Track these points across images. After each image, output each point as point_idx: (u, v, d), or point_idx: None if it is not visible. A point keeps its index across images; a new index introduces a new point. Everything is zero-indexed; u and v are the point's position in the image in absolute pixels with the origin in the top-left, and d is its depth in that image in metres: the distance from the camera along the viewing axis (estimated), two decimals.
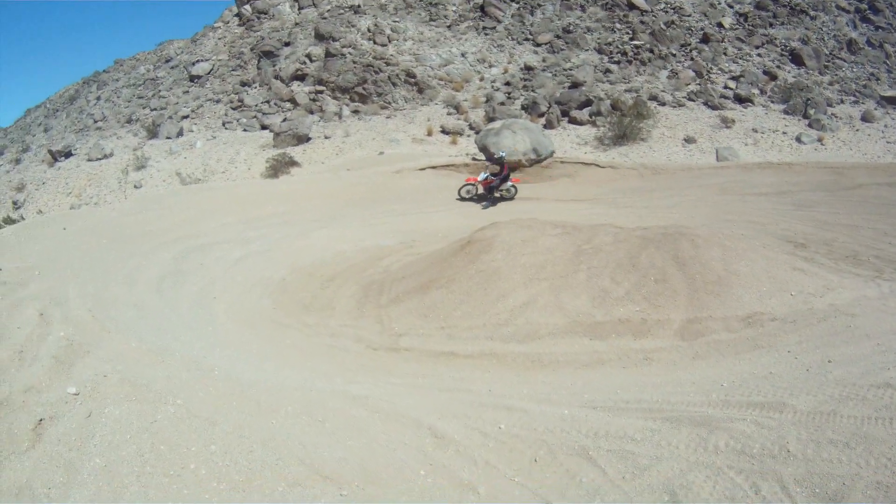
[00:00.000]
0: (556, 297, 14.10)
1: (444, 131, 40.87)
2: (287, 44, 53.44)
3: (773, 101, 47.68)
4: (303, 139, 38.80)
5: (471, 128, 41.24)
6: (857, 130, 43.13)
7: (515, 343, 12.90)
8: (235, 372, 9.85)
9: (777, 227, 21.86)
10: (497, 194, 28.11)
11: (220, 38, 59.11)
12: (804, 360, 10.57)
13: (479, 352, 12.71)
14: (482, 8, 58.45)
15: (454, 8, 59.78)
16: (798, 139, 40.30)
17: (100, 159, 39.60)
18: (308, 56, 50.20)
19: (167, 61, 59.59)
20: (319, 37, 51.73)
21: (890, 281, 15.61)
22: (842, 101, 48.89)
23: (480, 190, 28.31)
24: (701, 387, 9.87)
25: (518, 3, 59.64)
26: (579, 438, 8.11)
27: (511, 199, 27.99)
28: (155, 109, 50.20)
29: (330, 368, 11.75)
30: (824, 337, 11.80)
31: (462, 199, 28.20)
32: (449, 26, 56.73)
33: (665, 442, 7.85)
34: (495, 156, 29.21)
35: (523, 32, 56.02)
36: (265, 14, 60.60)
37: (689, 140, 39.08)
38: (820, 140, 40.33)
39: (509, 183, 28.26)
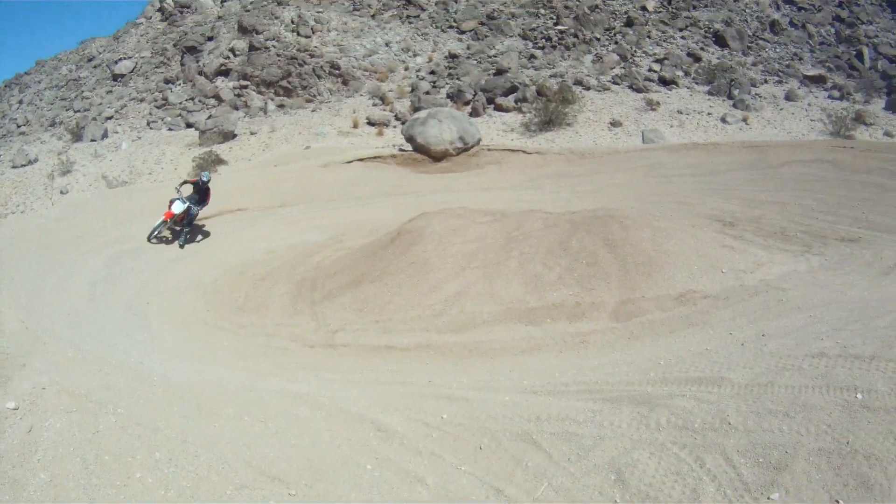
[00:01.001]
0: (489, 285, 14.22)
1: (371, 123, 40.66)
2: (210, 38, 52.72)
3: (697, 83, 48.27)
4: (229, 136, 38.35)
5: (397, 118, 41.08)
6: (781, 109, 43.87)
7: (451, 333, 12.98)
8: (174, 377, 9.76)
9: (705, 207, 22.24)
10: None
11: (142, 35, 58.02)
12: (738, 335, 10.78)
13: (415, 344, 12.79)
14: None
15: None
16: (723, 119, 40.84)
17: (24, 165, 38.65)
18: (232, 50, 49.63)
19: (89, 60, 58.29)
20: (243, 30, 51.12)
21: (819, 255, 16.01)
22: (765, 82, 49.68)
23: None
24: (638, 366, 10.00)
25: None
26: (522, 424, 8.18)
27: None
28: (79, 111, 49.15)
29: (268, 368, 11.71)
30: (757, 311, 12.09)
31: (157, 241, 21.64)
32: (373, 16, 56.42)
33: (607, 422, 7.95)
34: (201, 180, 22.30)
35: (447, 20, 55.92)
36: (188, 8, 59.60)
37: (614, 124, 39.37)
38: (744, 120, 40.92)
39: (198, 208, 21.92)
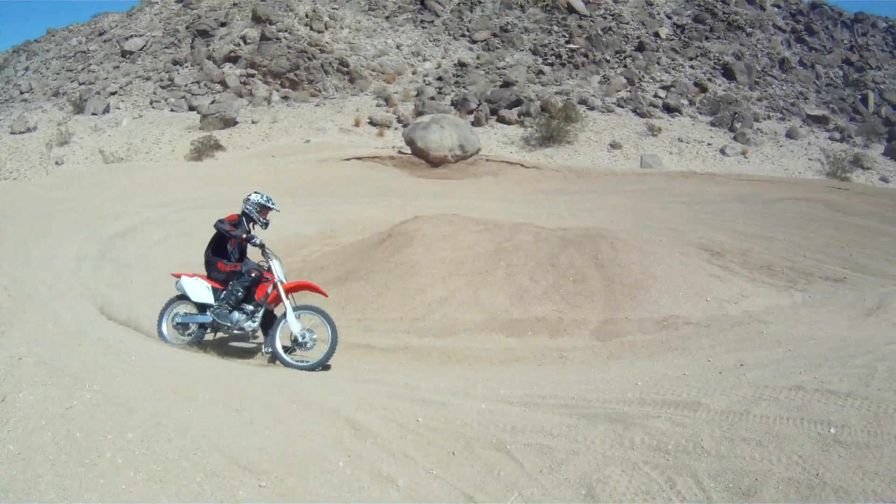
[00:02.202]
0: (474, 293, 14.31)
1: (373, 123, 40.82)
2: (223, 24, 52.87)
3: (701, 113, 48.60)
4: (230, 123, 38.45)
5: (399, 121, 41.27)
6: (781, 146, 44.21)
7: (432, 337, 13.05)
8: (153, 357, 9.70)
9: (695, 236, 22.36)
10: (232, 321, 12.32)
11: (156, 14, 58.15)
12: (717, 363, 10.87)
13: (395, 345, 12.88)
14: (422, 1, 58.37)
15: None
16: (722, 151, 41.16)
17: (23, 132, 38.68)
18: (243, 38, 49.76)
19: (101, 34, 58.34)
20: (257, 19, 51.27)
21: (802, 291, 16.18)
22: (769, 117, 50.05)
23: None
24: (616, 385, 10.05)
25: None
26: (497, 432, 8.18)
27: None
28: (83, 84, 49.16)
29: (247, 356, 11.74)
30: (737, 341, 12.27)
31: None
32: (387, 17, 56.69)
33: (581, 437, 7.94)
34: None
35: (461, 28, 56.17)
36: None
37: (614, 145, 39.62)
38: (743, 153, 41.25)
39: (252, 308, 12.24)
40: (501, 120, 43.07)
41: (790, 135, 46.90)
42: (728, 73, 56.04)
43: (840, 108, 55.36)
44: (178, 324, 12.03)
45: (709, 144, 42.42)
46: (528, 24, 57.14)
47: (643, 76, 52.87)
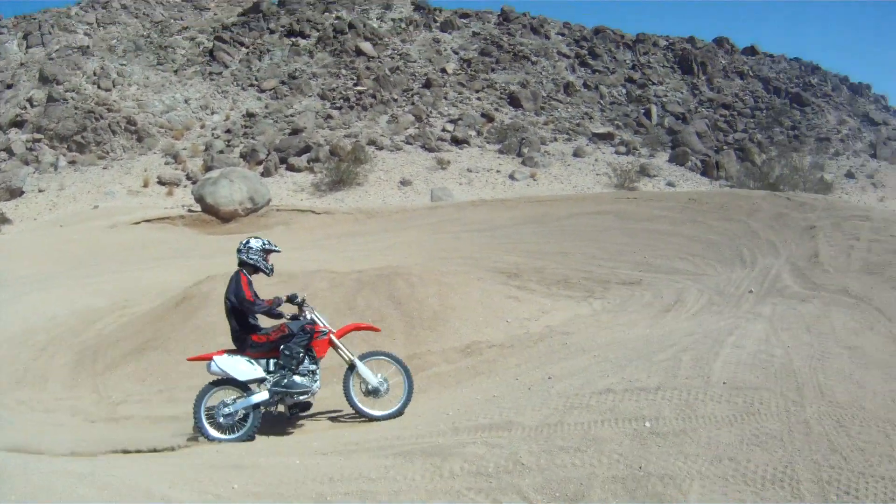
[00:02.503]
0: None
1: (161, 182, 39.88)
2: (10, 86, 50.79)
3: (489, 142, 49.82)
4: (16, 193, 36.79)
5: (188, 178, 40.49)
6: (569, 165, 45.79)
7: None
8: None
9: (490, 261, 22.78)
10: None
11: None
12: (525, 380, 10.96)
13: None
14: (211, 52, 58.02)
15: (183, 52, 59.16)
16: (511, 176, 42.26)
17: None
18: (29, 100, 47.82)
19: None
20: (44, 79, 49.46)
21: (601, 299, 16.75)
22: (555, 139, 51.82)
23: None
24: (427, 418, 10.02)
25: (248, 48, 59.54)
26: (315, 486, 7.95)
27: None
28: None
29: (49, 447, 11.02)
30: (542, 356, 12.46)
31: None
32: (175, 71, 55.86)
33: (401, 476, 7.82)
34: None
35: (249, 78, 55.89)
36: None
37: (404, 182, 40.06)
38: (532, 176, 42.51)
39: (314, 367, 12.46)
40: (291, 168, 42.81)
41: (577, 154, 48.66)
42: (514, 102, 57.76)
43: (624, 123, 58.08)
44: (226, 415, 10.54)
45: (497, 171, 43.44)
46: (317, 69, 57.30)
47: (431, 112, 53.70)
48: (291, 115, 50.70)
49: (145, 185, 38.96)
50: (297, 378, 10.57)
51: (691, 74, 70.41)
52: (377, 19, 67.34)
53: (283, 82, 55.47)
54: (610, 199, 29.79)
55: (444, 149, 47.26)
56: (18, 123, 46.57)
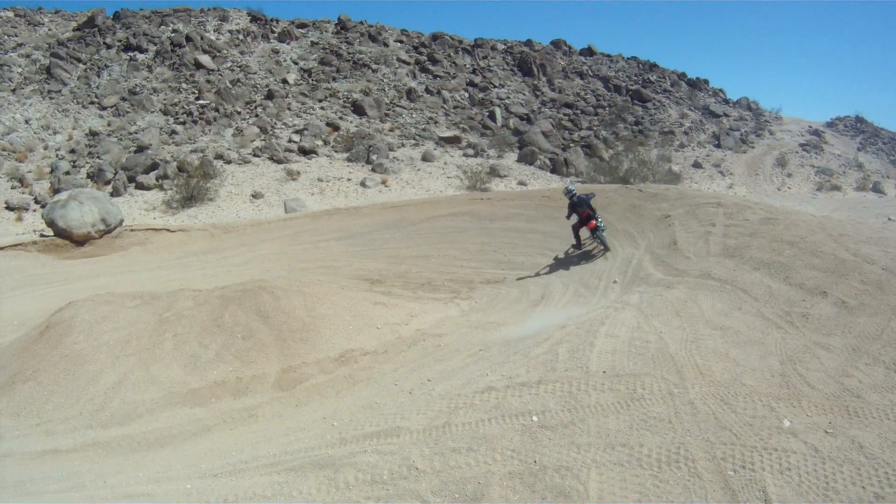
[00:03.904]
0: (147, 371, 13.74)
1: (9, 207, 38.27)
2: None
3: (336, 151, 49.63)
4: None
5: (36, 201, 38.98)
6: (419, 170, 45.97)
7: (116, 426, 12.35)
8: None
9: (351, 269, 22.90)
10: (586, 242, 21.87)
11: None
12: (404, 385, 11.19)
13: (80, 443, 11.97)
14: (48, 70, 55.86)
15: (20, 70, 56.67)
16: (363, 184, 42.21)
17: None
18: None
19: None
20: None
21: (468, 299, 17.06)
22: (403, 145, 51.97)
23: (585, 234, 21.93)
24: (313, 431, 10.06)
25: (85, 64, 57.64)
26: None
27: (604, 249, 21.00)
28: None
29: None
30: (418, 359, 12.66)
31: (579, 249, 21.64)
32: (13, 90, 53.58)
33: (296, 491, 7.85)
34: (565, 189, 22.01)
35: (89, 95, 54.12)
36: None
37: (256, 195, 39.59)
38: (384, 182, 42.52)
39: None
40: (140, 186, 41.62)
41: (426, 158, 48.81)
42: (358, 110, 57.55)
43: (470, 126, 58.64)
44: None
45: (348, 180, 43.23)
46: (157, 84, 55.95)
47: (275, 123, 53.11)
48: (135, 132, 49.42)
49: None
50: None
51: (532, 76, 71.80)
52: (214, 31, 66.16)
53: (123, 98, 53.86)
54: (465, 201, 30.12)
55: (292, 160, 46.88)
56: None
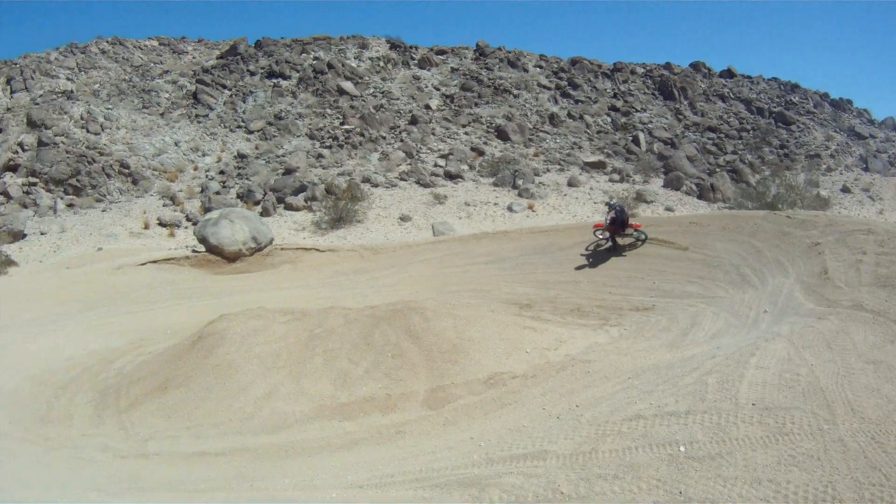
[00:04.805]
0: (297, 383, 14.07)
1: (162, 224, 39.71)
2: None
3: (482, 175, 49.74)
4: (18, 236, 36.65)
5: (188, 219, 40.33)
6: (565, 195, 45.68)
7: (265, 434, 12.69)
8: None
9: (501, 292, 22.80)
10: (627, 240, 26.82)
11: None
12: (552, 410, 11.04)
13: (230, 448, 12.36)
14: (195, 95, 57.88)
15: (167, 95, 58.94)
16: (510, 208, 42.13)
17: None
18: (20, 145, 47.64)
19: None
20: (32, 124, 49.25)
21: (617, 326, 16.77)
22: (548, 170, 51.78)
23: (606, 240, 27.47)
24: (460, 450, 10.06)
25: (230, 90, 59.50)
26: None
27: (643, 242, 26.44)
28: None
29: (80, 482, 11.04)
30: (566, 385, 12.48)
31: (596, 242, 27.48)
32: (162, 114, 55.71)
33: None
34: (607, 203, 28.76)
35: (235, 120, 55.82)
36: None
37: (404, 218, 39.95)
38: (530, 207, 42.34)
39: (631, 229, 26.71)
40: (289, 207, 42.62)
41: (571, 183, 48.44)
42: (502, 135, 57.85)
43: (614, 151, 58.15)
44: None
45: (495, 204, 43.24)
46: (301, 109, 57.22)
47: (420, 148, 53.55)
48: (282, 156, 50.59)
49: (146, 227, 38.81)
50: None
51: (673, 100, 70.85)
52: (355, 59, 67.42)
53: (269, 123, 55.29)
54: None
55: (438, 184, 47.19)
56: (12, 167, 46.34)
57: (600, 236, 27.25)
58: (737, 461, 7.40)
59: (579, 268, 24.67)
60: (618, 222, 26.03)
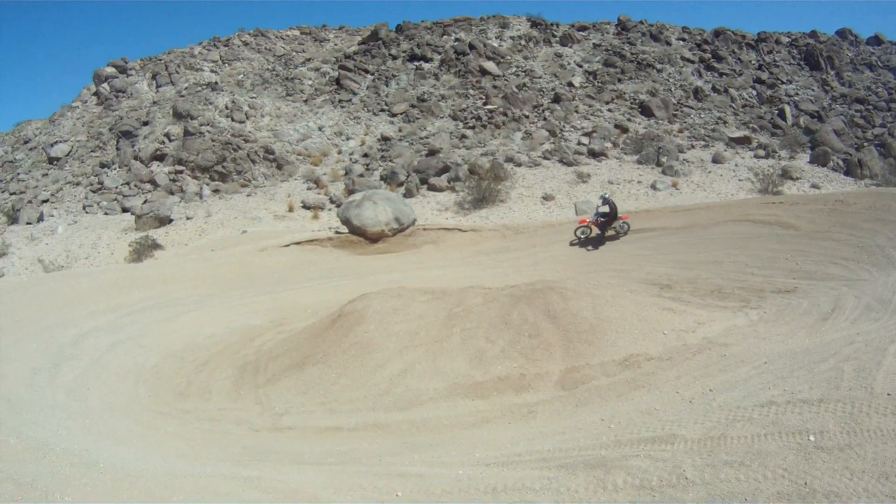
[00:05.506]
0: (433, 362, 14.21)
1: (306, 206, 40.47)
2: (145, 123, 52.48)
3: (626, 153, 48.98)
4: (165, 221, 38.02)
5: (331, 201, 40.99)
6: (710, 172, 44.61)
7: (398, 411, 12.89)
8: (120, 464, 9.47)
9: (641, 272, 22.54)
10: (611, 232, 29.36)
11: (77, 119, 57.56)
12: (685, 393, 10.87)
13: (363, 423, 12.63)
14: (338, 81, 58.75)
15: (310, 82, 60.01)
16: (653, 186, 41.39)
17: None
18: (167, 135, 49.44)
19: (25, 142, 57.33)
20: (178, 115, 51.06)
21: (757, 308, 16.27)
22: (692, 147, 50.60)
23: (594, 231, 29.74)
24: (589, 431, 9.98)
25: (373, 74, 60.18)
26: (478, 496, 8.06)
27: (625, 234, 29.41)
28: (14, 193, 48.17)
29: (215, 453, 11.40)
30: (701, 368, 12.25)
31: (578, 239, 29.44)
32: (305, 100, 56.71)
33: (564, 488, 7.85)
34: (601, 197, 30.64)
35: (378, 104, 56.40)
36: (123, 93, 60.04)
37: (547, 197, 39.66)
38: (674, 185, 41.51)
39: (620, 221, 29.51)
40: (432, 188, 42.86)
41: (716, 160, 47.22)
42: (646, 111, 56.89)
43: (760, 125, 56.39)
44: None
45: (639, 182, 42.51)
46: (444, 91, 57.40)
47: (564, 126, 53.05)
48: (426, 137, 50.91)
49: (290, 210, 39.62)
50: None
51: (819, 70, 68.04)
52: (496, 38, 67.16)
53: (412, 105, 55.74)
54: (756, 205, 29.13)
55: (582, 162, 46.69)
56: (159, 157, 48.07)
57: (581, 235, 29.46)
58: (866, 454, 7.09)
59: (721, 248, 24.09)
60: (610, 216, 28.73)
